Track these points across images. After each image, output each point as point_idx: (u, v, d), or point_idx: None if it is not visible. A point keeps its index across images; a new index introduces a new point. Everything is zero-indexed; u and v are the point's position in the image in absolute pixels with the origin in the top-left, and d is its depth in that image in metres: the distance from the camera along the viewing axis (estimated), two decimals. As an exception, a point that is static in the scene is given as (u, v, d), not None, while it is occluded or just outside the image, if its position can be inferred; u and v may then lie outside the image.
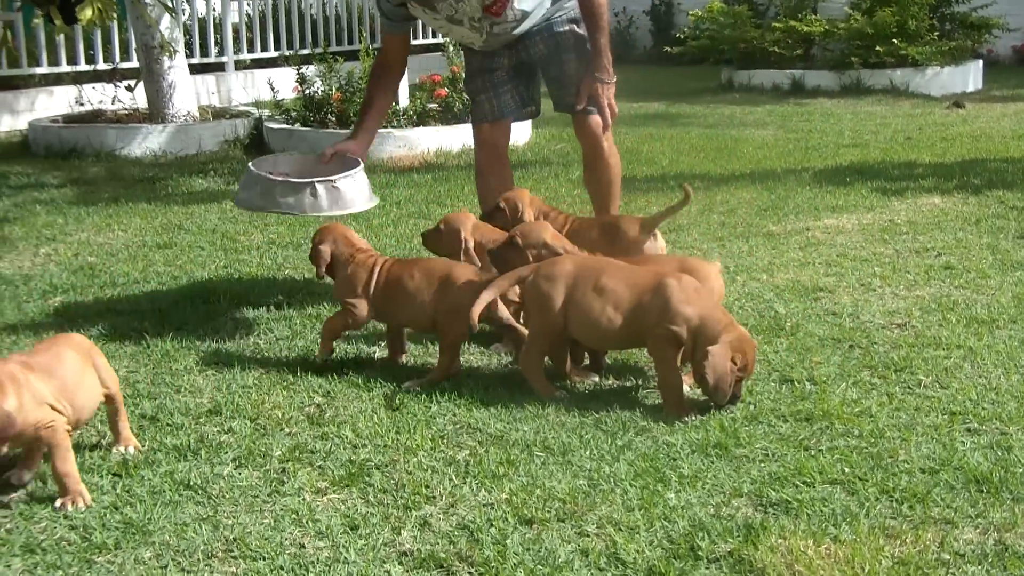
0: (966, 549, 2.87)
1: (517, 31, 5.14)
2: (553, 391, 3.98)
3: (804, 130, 10.80)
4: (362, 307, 4.27)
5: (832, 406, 3.79)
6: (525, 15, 5.09)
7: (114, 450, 3.55)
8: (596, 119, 5.21)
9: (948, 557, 2.83)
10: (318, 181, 4.78)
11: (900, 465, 3.36)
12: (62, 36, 11.03)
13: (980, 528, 2.98)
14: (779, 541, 2.91)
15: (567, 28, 5.19)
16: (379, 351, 4.48)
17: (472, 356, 4.44)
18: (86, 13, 7.15)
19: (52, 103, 11.45)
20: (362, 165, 4.96)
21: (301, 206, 4.79)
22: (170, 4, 10.23)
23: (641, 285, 3.88)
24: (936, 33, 13.91)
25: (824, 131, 10.69)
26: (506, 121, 5.42)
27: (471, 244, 4.57)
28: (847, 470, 3.33)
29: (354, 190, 4.90)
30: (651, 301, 3.82)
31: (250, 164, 4.98)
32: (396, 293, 4.23)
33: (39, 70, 11.50)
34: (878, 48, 13.45)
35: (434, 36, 15.76)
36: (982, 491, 3.18)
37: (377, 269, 4.29)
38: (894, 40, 13.37)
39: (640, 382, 4.14)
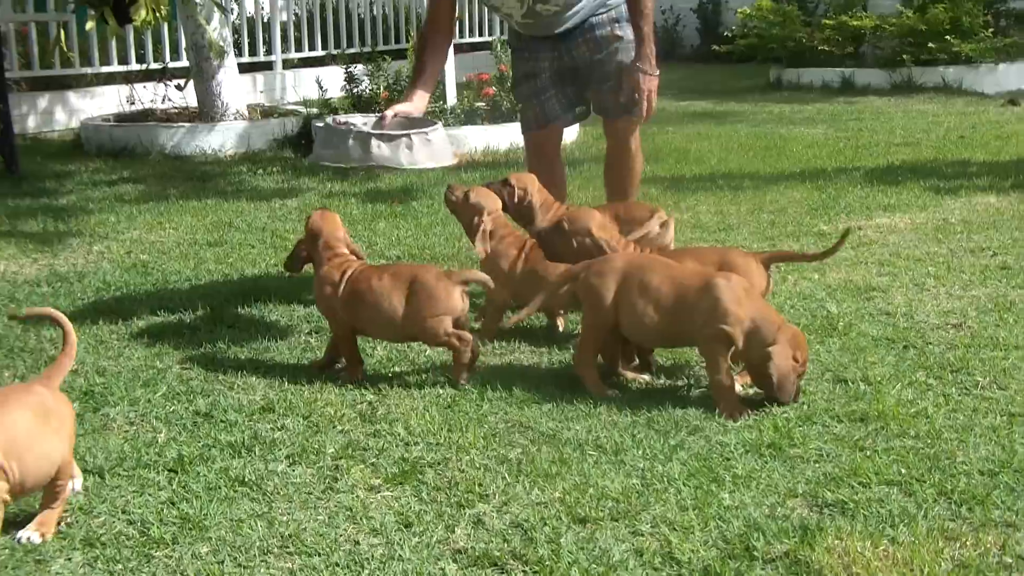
0: (1027, 552, 2.83)
1: (560, 22, 5.08)
2: (606, 390, 3.97)
3: (854, 129, 10.71)
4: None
5: (887, 407, 3.75)
6: (568, 4, 5.05)
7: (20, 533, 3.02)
8: (626, 121, 5.17)
9: (1010, 560, 2.79)
10: (413, 132, 4.75)
11: (958, 467, 3.31)
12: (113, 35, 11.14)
13: (1041, 531, 2.94)
14: (836, 542, 2.88)
15: (608, 29, 5.13)
16: (429, 347, 4.49)
17: (523, 355, 4.44)
18: (140, 13, 7.23)
19: (104, 102, 11.57)
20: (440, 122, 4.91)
21: (397, 158, 4.73)
22: (221, 3, 10.30)
23: (689, 284, 3.86)
24: (991, 30, 13.73)
25: (875, 129, 10.59)
26: (553, 126, 5.39)
27: (487, 227, 4.57)
28: (904, 471, 3.29)
29: (443, 144, 4.91)
30: (700, 301, 3.80)
31: (328, 120, 4.96)
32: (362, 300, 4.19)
33: (90, 70, 11.63)
34: (930, 45, 13.30)
35: (481, 35, 15.78)
36: (1043, 493, 3.14)
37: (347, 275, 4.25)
38: (947, 37, 13.22)
39: (692, 381, 4.12)
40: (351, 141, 4.75)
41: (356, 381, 4.17)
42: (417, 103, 5.05)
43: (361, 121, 5.07)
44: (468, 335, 4.11)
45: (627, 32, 5.10)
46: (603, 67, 5.17)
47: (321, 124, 4.88)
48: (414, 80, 5.20)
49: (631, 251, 4.27)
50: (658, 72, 5.05)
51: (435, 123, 4.92)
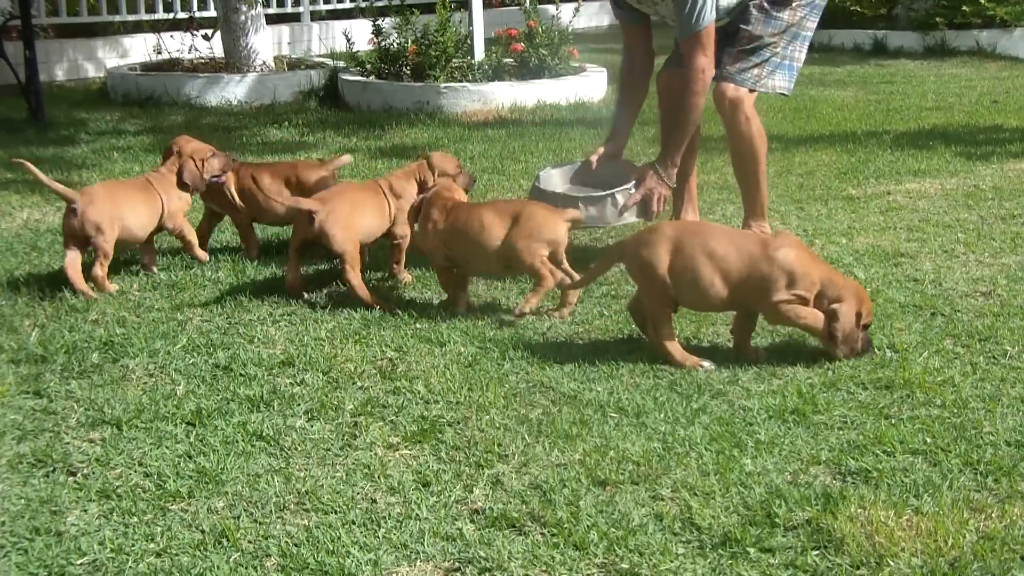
0: (1053, 526, 2.79)
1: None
2: (699, 360, 3.86)
3: (886, 92, 10.55)
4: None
5: (913, 374, 3.70)
6: None
7: None
8: (727, 87, 4.96)
9: (1035, 534, 2.75)
10: (617, 192, 4.83)
11: (985, 437, 3.26)
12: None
13: (1068, 505, 2.90)
14: (859, 511, 2.85)
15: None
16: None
17: (545, 314, 4.39)
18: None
19: (131, 51, 11.53)
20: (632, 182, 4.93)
21: (604, 216, 4.85)
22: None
23: (751, 252, 3.83)
24: (1026, -7, 13.49)
25: (906, 93, 10.44)
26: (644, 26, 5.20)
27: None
28: (929, 440, 3.24)
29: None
30: (770, 270, 3.79)
31: (537, 184, 5.07)
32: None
33: (117, 18, 11.58)
34: (964, 8, 13.07)
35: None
36: (1070, 467, 3.09)
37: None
38: (981, 0, 13.00)
39: (717, 343, 4.08)
40: (558, 204, 4.70)
41: (459, 313, 4.33)
42: (616, 146, 5.21)
43: (559, 174, 5.25)
44: (559, 272, 4.26)
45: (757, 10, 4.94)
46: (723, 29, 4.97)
47: (533, 186, 5.00)
48: (616, 118, 5.33)
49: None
50: (673, 186, 4.97)
51: (632, 181, 4.91)
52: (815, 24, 5.10)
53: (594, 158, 5.17)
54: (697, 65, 4.81)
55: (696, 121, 4.94)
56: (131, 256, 5.13)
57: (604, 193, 4.84)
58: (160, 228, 4.89)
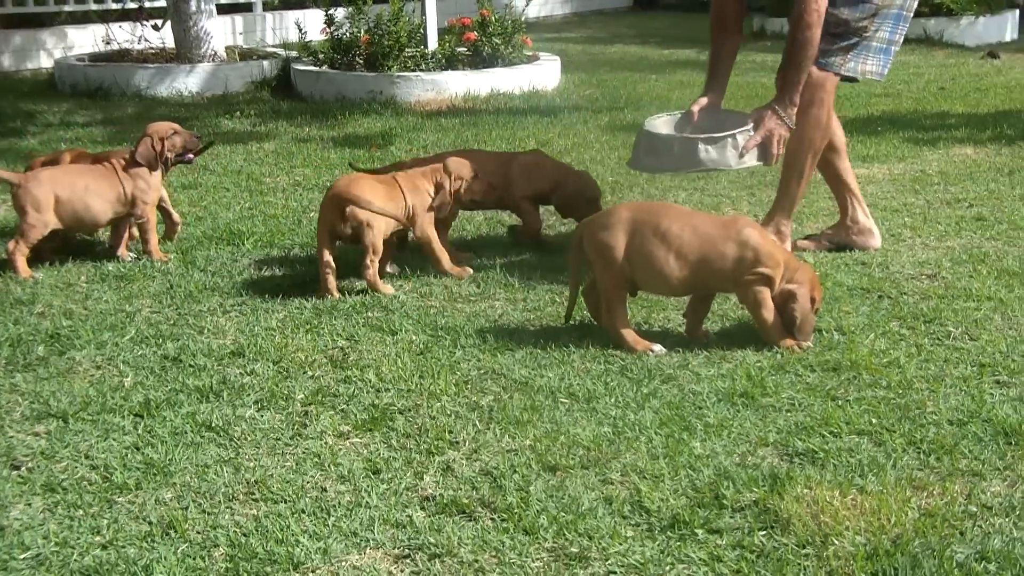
0: (993, 501, 2.83)
1: None
2: (650, 345, 3.87)
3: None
4: None
5: (860, 356, 3.75)
6: None
7: None
8: (817, 73, 4.79)
9: (975, 509, 2.79)
10: (738, 132, 4.64)
11: (928, 416, 3.31)
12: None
13: (1008, 480, 2.94)
14: (805, 491, 2.88)
15: None
16: (403, 294, 4.45)
17: (497, 302, 4.40)
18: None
19: (79, 42, 11.40)
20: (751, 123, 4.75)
21: (725, 159, 4.65)
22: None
23: (716, 235, 3.85)
24: (972, -18, 13.64)
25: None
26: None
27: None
28: (874, 421, 3.29)
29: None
30: (736, 250, 3.81)
31: (646, 128, 4.89)
32: None
33: (66, 8, 11.45)
34: (913, -4, 13.19)
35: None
36: (1011, 443, 3.13)
37: None
38: (929, -12, 13.12)
39: (668, 328, 4.10)
40: (676, 148, 4.68)
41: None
42: (716, 95, 4.96)
43: (664, 124, 5.01)
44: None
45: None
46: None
47: (642, 132, 4.82)
48: (710, 69, 5.06)
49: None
50: (792, 126, 4.72)
51: (749, 122, 4.73)
52: (915, 2, 4.92)
53: (695, 108, 4.93)
54: None
55: (812, 57, 4.67)
56: (82, 248, 5.09)
57: (724, 134, 4.65)
58: (129, 214, 4.86)
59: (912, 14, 4.92)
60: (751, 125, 4.67)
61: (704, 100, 4.95)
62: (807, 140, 4.86)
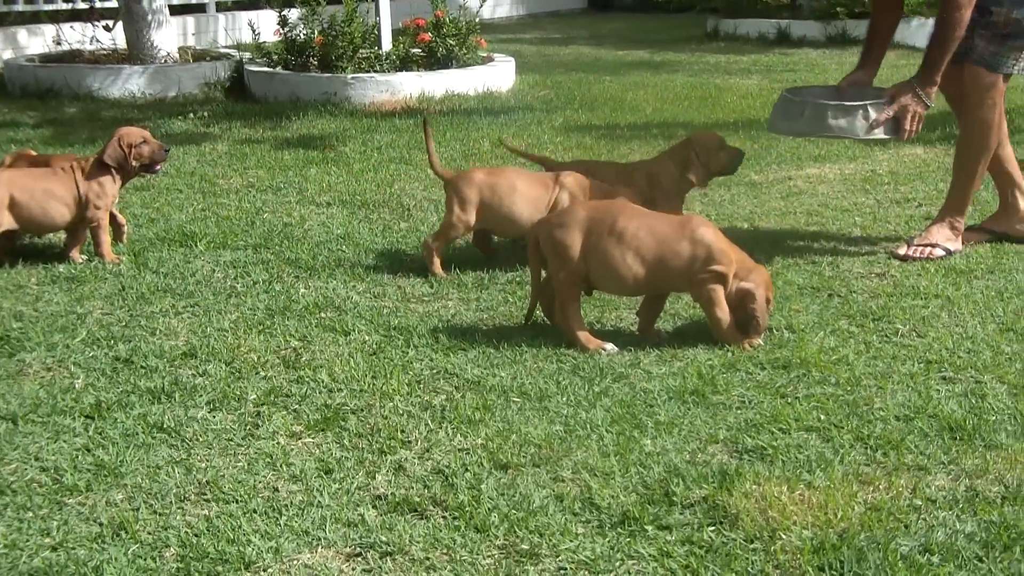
0: (938, 495, 2.88)
1: None
2: (601, 344, 3.88)
3: (789, 80, 10.71)
4: None
5: (809, 354, 3.79)
6: None
7: None
8: (980, 71, 4.79)
9: (920, 503, 2.84)
10: (870, 104, 4.71)
11: (875, 413, 3.36)
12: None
13: (952, 475, 2.99)
14: (753, 487, 2.91)
15: None
16: (356, 295, 4.45)
17: (450, 302, 4.41)
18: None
19: (29, 42, 11.28)
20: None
21: (854, 128, 4.71)
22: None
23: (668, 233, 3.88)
24: (923, -16, 13.79)
25: (809, 81, 10.59)
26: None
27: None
28: (823, 417, 3.33)
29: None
30: (690, 248, 3.84)
31: (786, 93, 4.99)
32: None
33: (16, 7, 11.33)
34: (864, -2, 13.35)
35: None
36: (955, 438, 3.18)
37: None
38: (881, -10, 13.25)
39: (620, 327, 4.13)
40: (807, 112, 4.73)
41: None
42: (867, 74, 5.05)
43: (810, 93, 5.09)
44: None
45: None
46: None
47: (781, 97, 4.91)
48: (866, 47, 5.17)
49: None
50: (930, 106, 4.77)
51: (884, 97, 4.78)
52: None
53: (844, 83, 5.03)
54: None
55: (959, 38, 4.66)
56: (30, 248, 5.05)
57: (856, 103, 4.71)
58: (82, 218, 4.83)
59: None
60: (887, 99, 4.75)
61: (855, 75, 5.08)
62: (978, 142, 4.93)
